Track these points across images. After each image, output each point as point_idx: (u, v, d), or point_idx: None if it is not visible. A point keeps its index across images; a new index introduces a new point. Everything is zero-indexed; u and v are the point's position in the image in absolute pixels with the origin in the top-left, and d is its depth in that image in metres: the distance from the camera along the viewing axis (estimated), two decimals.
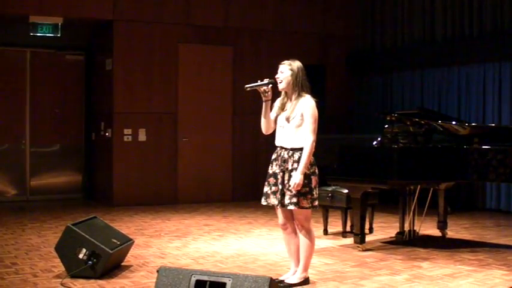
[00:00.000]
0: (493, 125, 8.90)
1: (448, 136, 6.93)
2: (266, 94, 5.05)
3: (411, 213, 7.02)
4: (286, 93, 5.11)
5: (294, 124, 5.00)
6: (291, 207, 4.95)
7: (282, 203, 5.01)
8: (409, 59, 10.62)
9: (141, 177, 10.03)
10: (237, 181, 10.70)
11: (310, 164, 4.98)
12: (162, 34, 10.18)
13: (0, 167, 10.37)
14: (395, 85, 10.95)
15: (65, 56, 10.82)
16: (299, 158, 4.95)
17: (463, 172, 6.24)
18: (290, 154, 5.01)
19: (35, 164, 10.59)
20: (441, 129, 6.80)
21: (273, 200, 5.06)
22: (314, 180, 5.01)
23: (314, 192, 5.00)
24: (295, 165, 4.95)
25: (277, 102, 5.15)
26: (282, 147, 5.08)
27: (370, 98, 11.33)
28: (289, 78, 5.03)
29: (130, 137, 9.97)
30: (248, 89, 5.09)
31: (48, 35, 9.74)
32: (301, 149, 4.97)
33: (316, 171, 5.05)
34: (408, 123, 6.85)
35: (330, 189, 7.26)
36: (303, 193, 4.93)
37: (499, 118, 9.30)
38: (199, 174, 10.42)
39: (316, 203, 5.05)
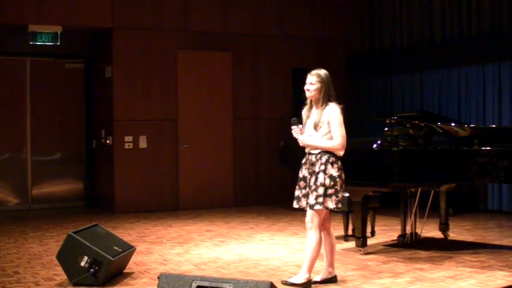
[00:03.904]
0: (493, 126, 8.90)
1: (448, 138, 6.92)
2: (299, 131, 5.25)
3: (413, 216, 7.01)
4: (311, 101, 5.27)
5: (321, 133, 5.19)
6: (318, 207, 5.07)
7: (308, 204, 5.14)
8: (409, 61, 10.62)
9: (143, 184, 10.04)
10: (239, 186, 10.69)
11: (338, 168, 5.15)
12: (161, 41, 10.19)
13: (2, 176, 10.38)
14: (395, 87, 10.95)
15: (64, 64, 10.84)
16: (326, 160, 5.11)
17: (464, 174, 6.23)
18: (318, 157, 5.16)
19: (36, 173, 10.60)
20: (441, 131, 6.79)
21: (304, 203, 5.21)
22: (340, 183, 5.15)
23: (339, 194, 5.15)
24: (322, 167, 5.10)
25: (304, 113, 5.34)
26: (310, 153, 5.24)
27: (370, 100, 11.32)
28: (320, 88, 5.21)
29: (131, 144, 9.98)
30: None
31: (47, 43, 9.76)
32: (328, 152, 5.14)
33: (343, 176, 5.19)
34: (408, 125, 6.85)
35: None
36: (328, 194, 5.07)
37: (499, 119, 9.30)
38: (200, 180, 10.42)
39: (340, 204, 5.19)
